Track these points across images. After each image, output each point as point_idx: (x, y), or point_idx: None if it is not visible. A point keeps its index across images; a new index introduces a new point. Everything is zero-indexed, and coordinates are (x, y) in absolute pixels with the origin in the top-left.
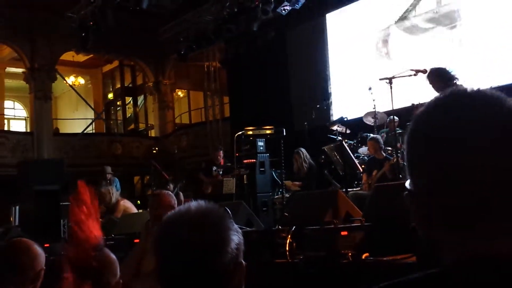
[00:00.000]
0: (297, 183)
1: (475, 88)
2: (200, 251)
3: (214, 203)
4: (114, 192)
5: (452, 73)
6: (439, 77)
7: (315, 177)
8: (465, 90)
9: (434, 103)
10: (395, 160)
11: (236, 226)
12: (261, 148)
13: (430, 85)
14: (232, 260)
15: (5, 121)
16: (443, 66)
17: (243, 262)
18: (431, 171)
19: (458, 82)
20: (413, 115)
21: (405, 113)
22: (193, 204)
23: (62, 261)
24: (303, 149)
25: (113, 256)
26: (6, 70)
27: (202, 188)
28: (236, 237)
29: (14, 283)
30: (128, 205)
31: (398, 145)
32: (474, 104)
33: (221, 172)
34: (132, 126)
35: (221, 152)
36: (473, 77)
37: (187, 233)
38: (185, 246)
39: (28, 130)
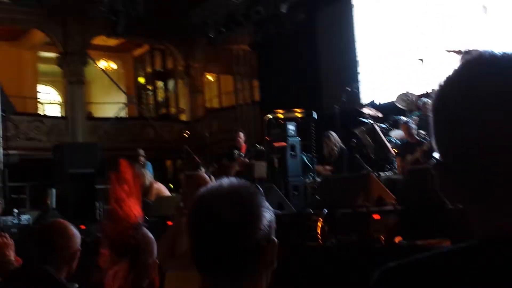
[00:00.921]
0: (328, 167)
1: (502, 51)
2: (232, 227)
3: None
4: (148, 175)
5: None
6: None
7: (346, 161)
8: (494, 54)
9: (463, 68)
10: (427, 146)
11: (267, 203)
12: (292, 131)
13: None
14: (264, 237)
15: (40, 105)
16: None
17: (276, 240)
18: (460, 141)
19: None
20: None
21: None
22: (225, 180)
23: (101, 238)
24: (333, 133)
25: (151, 236)
26: (39, 54)
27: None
28: (268, 214)
29: (50, 263)
30: (162, 188)
31: None
32: (506, 69)
33: (242, 155)
34: (164, 110)
35: (241, 134)
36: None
37: (219, 209)
38: (218, 221)
39: (63, 115)
